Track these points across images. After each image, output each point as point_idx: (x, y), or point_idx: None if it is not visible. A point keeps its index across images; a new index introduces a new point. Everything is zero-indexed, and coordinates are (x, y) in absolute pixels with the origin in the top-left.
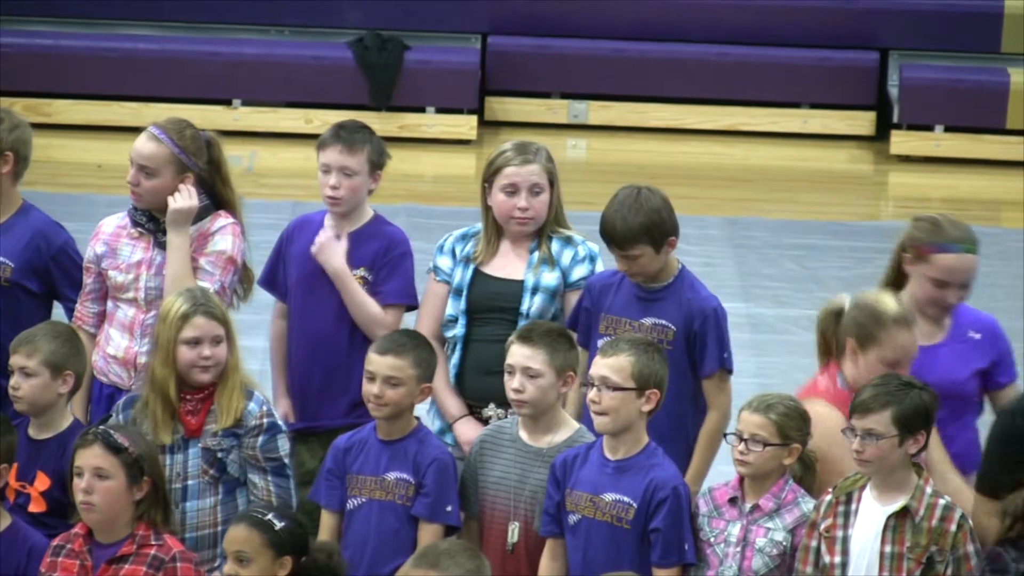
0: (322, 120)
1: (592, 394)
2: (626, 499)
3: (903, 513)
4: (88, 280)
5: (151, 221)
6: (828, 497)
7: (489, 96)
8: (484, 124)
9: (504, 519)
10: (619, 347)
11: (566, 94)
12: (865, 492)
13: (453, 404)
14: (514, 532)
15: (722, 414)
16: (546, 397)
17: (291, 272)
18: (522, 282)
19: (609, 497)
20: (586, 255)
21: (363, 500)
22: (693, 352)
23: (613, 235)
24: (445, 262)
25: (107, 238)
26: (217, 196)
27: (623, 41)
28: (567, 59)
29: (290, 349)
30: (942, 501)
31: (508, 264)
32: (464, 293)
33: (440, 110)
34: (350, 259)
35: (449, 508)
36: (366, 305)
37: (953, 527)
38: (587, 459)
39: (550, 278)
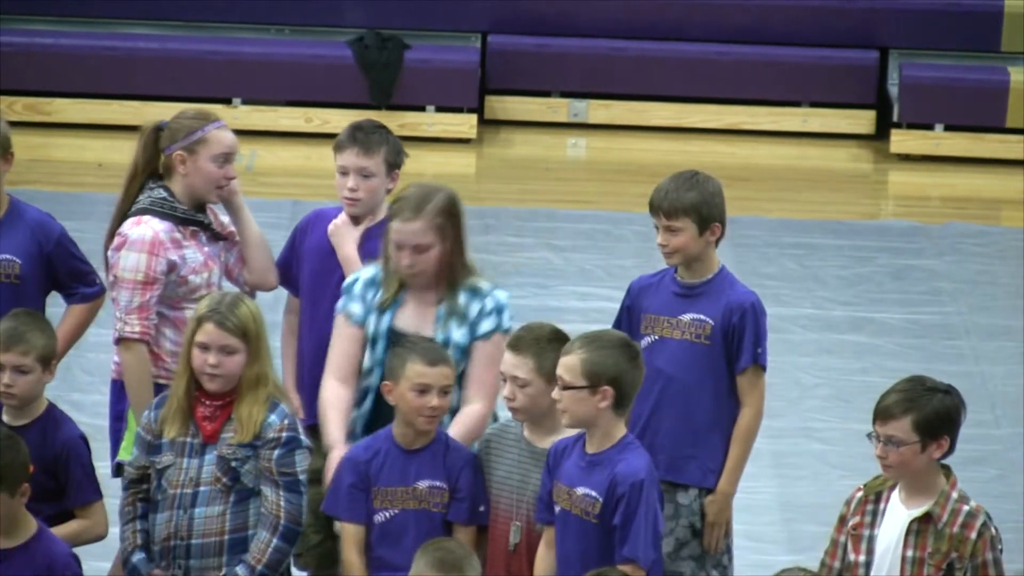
0: (322, 119)
1: (555, 392)
2: (593, 493)
3: (926, 518)
4: (154, 293)
5: (200, 212)
6: (859, 494)
7: (489, 95)
8: (484, 123)
9: (507, 519)
10: (573, 345)
11: (566, 93)
12: (894, 493)
13: (336, 431)
14: (516, 532)
15: (755, 412)
16: (537, 404)
17: (304, 267)
18: (431, 339)
19: (580, 491)
20: (493, 308)
21: (395, 512)
22: (730, 347)
23: (662, 203)
24: (357, 308)
25: (171, 246)
26: None
27: (623, 40)
28: (567, 58)
29: (300, 345)
30: (966, 507)
31: (417, 317)
32: (380, 344)
33: (440, 109)
34: (362, 255)
35: (482, 508)
36: None
37: (973, 535)
38: (572, 451)
39: (459, 334)
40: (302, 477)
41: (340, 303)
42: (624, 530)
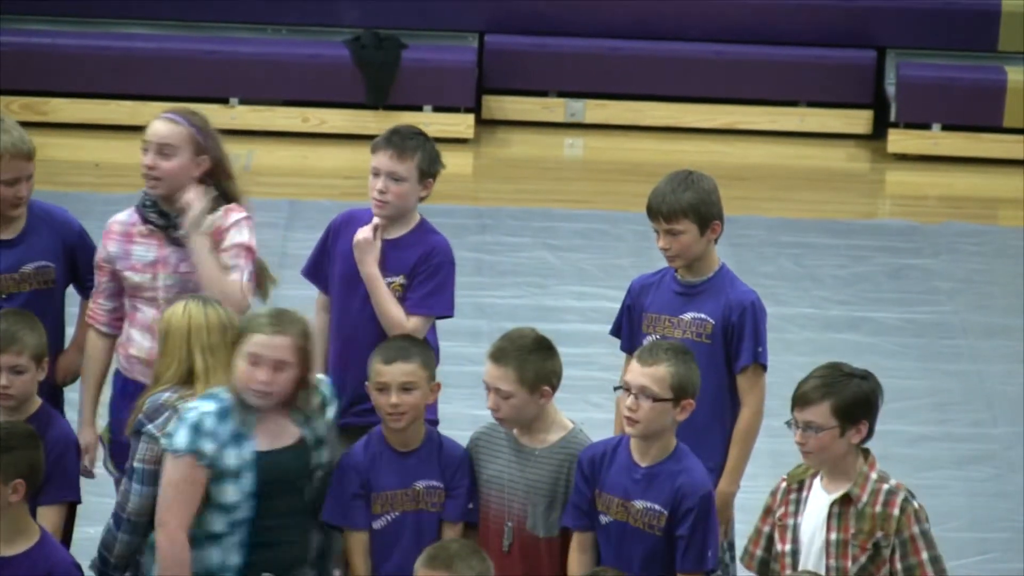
0: (319, 119)
1: (629, 401)
2: (657, 507)
3: (846, 500)
4: (102, 279)
5: (162, 217)
6: (783, 484)
7: (486, 95)
8: (481, 123)
9: (499, 519)
10: (658, 356)
11: (563, 93)
12: (816, 480)
13: None
14: (509, 532)
15: (754, 411)
16: (523, 414)
17: (335, 268)
18: (301, 445)
19: (640, 504)
20: (327, 397)
21: (395, 515)
22: (730, 346)
23: (660, 207)
24: (209, 446)
25: (118, 238)
26: (224, 190)
27: (620, 40)
28: (564, 58)
29: (329, 344)
30: (885, 486)
31: (276, 430)
32: (249, 476)
33: (437, 109)
34: (390, 266)
35: (471, 505)
36: (391, 312)
37: (896, 511)
38: (614, 460)
39: (320, 426)
40: (137, 465)
41: (183, 441)
42: (696, 542)
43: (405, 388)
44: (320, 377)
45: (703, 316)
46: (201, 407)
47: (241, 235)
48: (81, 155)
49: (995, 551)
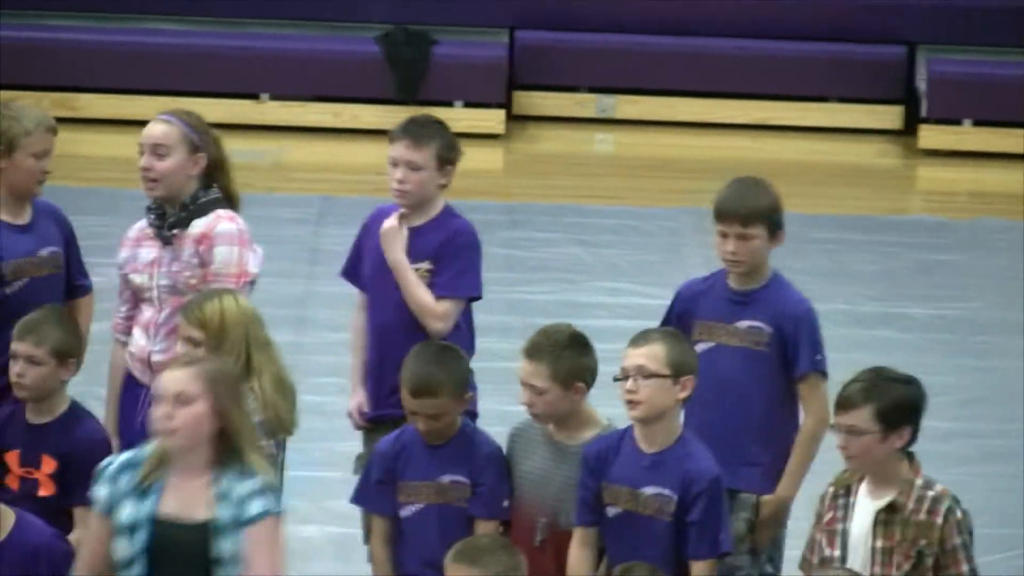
0: (350, 114)
1: (629, 384)
2: (666, 492)
3: (892, 508)
4: (121, 286)
5: (159, 218)
6: (831, 489)
7: (517, 90)
8: (512, 119)
9: (531, 514)
10: (649, 336)
11: (594, 88)
12: (862, 485)
13: None
14: (542, 528)
15: (818, 419)
16: (556, 410)
17: (366, 263)
18: (204, 528)
19: (650, 491)
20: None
21: (420, 506)
22: (786, 355)
23: (738, 210)
24: (103, 492)
25: (130, 243)
26: (222, 188)
27: (651, 35)
28: (595, 53)
29: (367, 339)
30: (930, 493)
31: (187, 497)
32: (142, 533)
33: (468, 104)
34: (416, 252)
35: (505, 503)
36: (419, 296)
37: (939, 520)
38: (620, 451)
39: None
40: None
41: (96, 487)
42: (709, 527)
43: (433, 417)
44: (265, 443)
45: (759, 324)
46: (123, 454)
47: (231, 256)
48: (111, 151)
49: (1021, 547)
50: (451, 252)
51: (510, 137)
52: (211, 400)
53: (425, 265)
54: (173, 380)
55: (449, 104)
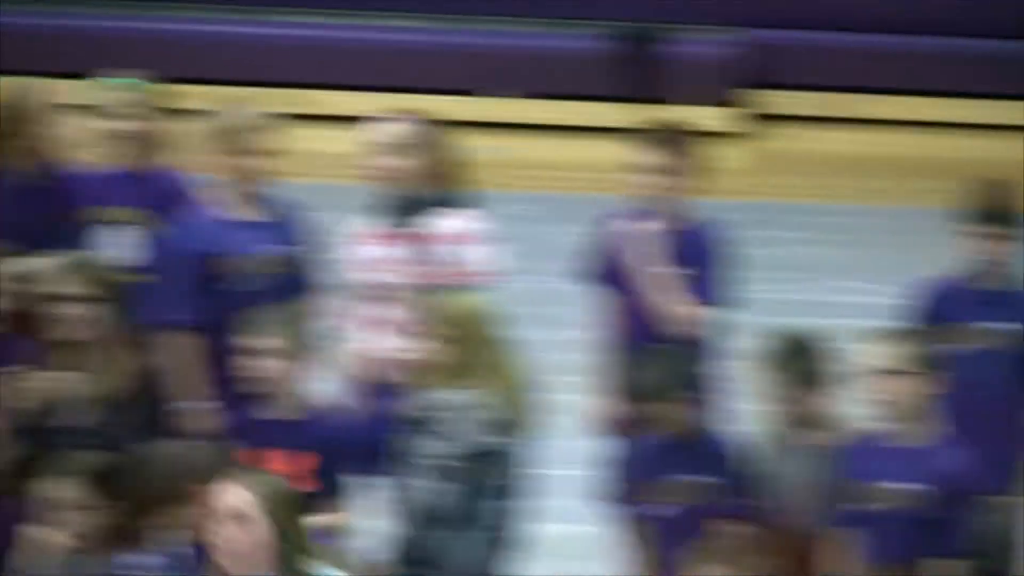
0: (576, 112)
1: (883, 384)
2: (924, 487)
3: None
4: (352, 285)
5: (403, 216)
6: None
7: (753, 88)
8: (751, 117)
9: (776, 515)
10: (887, 339)
11: (836, 88)
12: None
13: None
14: (787, 529)
15: None
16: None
17: (611, 266)
18: None
19: (906, 486)
20: None
21: (670, 507)
22: None
23: (1007, 212)
24: None
25: (369, 241)
26: (458, 187)
27: (890, 35)
28: (835, 52)
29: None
30: None
31: None
32: None
33: (696, 102)
34: (672, 257)
35: (754, 504)
36: (672, 305)
37: None
38: (875, 448)
39: None
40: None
41: None
42: (960, 524)
43: (675, 420)
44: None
45: (1010, 325)
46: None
47: (478, 255)
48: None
49: None
50: (710, 259)
51: (747, 136)
52: (268, 521)
53: (680, 272)
54: (233, 495)
55: (677, 102)
